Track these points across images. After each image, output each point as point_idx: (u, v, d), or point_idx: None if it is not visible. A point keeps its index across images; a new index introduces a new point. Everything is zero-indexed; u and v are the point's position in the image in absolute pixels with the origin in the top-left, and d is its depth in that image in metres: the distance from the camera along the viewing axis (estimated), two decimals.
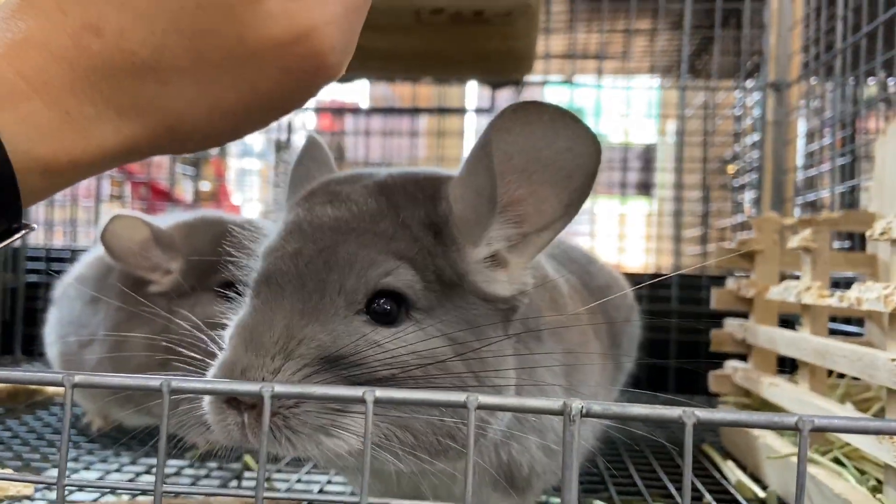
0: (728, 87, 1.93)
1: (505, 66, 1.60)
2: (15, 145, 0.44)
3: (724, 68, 1.94)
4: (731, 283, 1.19)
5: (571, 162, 0.54)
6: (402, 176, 0.61)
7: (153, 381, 0.43)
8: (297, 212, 0.59)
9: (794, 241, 0.92)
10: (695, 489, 0.88)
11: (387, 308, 0.54)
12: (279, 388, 0.43)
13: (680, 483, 0.88)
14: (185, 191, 2.29)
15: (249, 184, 2.93)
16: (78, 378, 0.44)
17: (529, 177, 0.56)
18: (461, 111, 2.24)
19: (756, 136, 1.73)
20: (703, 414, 0.39)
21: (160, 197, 2.04)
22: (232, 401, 0.50)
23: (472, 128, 2.28)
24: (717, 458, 1.02)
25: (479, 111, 2.23)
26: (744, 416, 0.42)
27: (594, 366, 0.72)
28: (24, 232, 0.49)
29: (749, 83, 1.82)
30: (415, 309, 0.55)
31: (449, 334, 0.55)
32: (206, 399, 0.53)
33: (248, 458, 0.95)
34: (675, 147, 1.82)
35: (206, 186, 2.44)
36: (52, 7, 0.46)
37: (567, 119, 0.53)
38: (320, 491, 0.85)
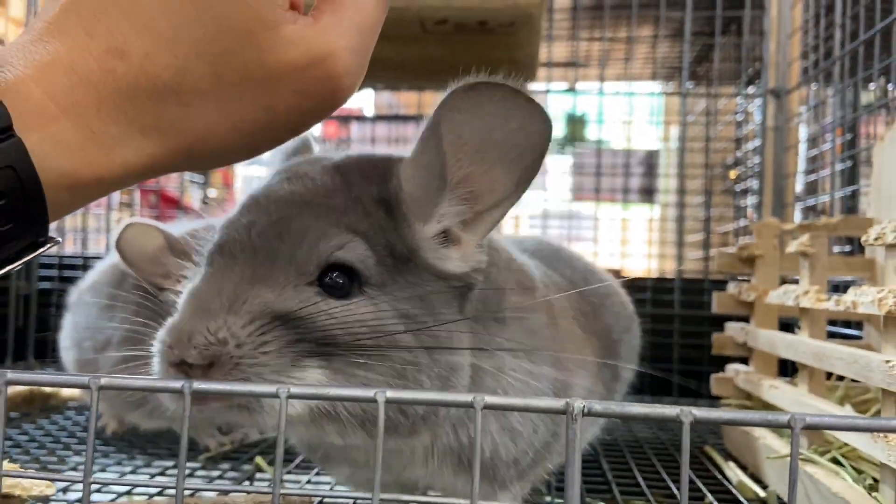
0: (729, 94, 1.95)
1: (508, 75, 1.62)
2: (44, 163, 0.47)
3: (725, 74, 1.96)
4: (732, 287, 1.20)
5: (524, 141, 0.55)
6: (357, 157, 0.63)
7: (175, 383, 0.46)
8: (257, 187, 0.61)
9: (792, 246, 0.94)
10: (697, 489, 0.89)
11: (339, 281, 0.55)
12: (295, 390, 0.45)
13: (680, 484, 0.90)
14: (193, 198, 2.31)
15: None
16: (104, 381, 0.46)
17: (482, 156, 0.56)
18: None
19: (757, 142, 1.75)
20: (700, 413, 0.41)
21: (169, 204, 2.07)
22: (181, 364, 0.51)
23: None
24: (719, 459, 1.03)
25: None
26: (739, 414, 0.44)
27: (573, 354, 0.72)
28: (49, 245, 0.51)
29: (750, 89, 1.84)
30: (367, 284, 0.56)
31: (401, 310, 0.56)
32: (154, 366, 0.53)
33: (259, 460, 0.97)
34: (678, 153, 1.84)
35: (213, 194, 2.47)
36: (78, 31, 0.48)
37: (520, 99, 0.54)
38: (331, 488, 0.87)
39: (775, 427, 0.43)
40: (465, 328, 0.59)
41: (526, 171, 0.57)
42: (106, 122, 0.48)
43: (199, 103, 0.49)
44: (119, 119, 0.49)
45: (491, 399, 0.43)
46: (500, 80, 0.54)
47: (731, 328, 1.20)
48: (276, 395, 0.45)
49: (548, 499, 0.84)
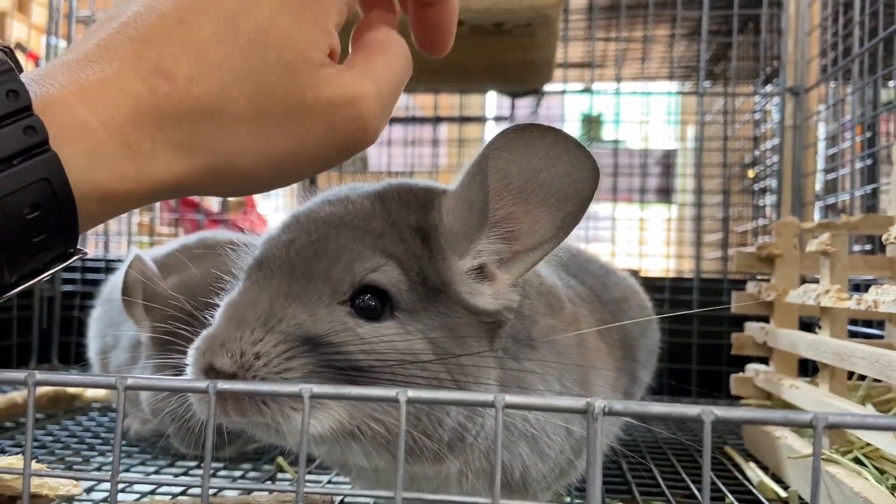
0: (746, 93, 1.94)
1: (525, 76, 1.62)
2: (77, 174, 0.48)
3: (742, 73, 1.95)
4: (751, 287, 1.20)
5: (570, 186, 0.56)
6: (399, 185, 0.63)
7: (200, 383, 0.46)
8: (299, 208, 0.62)
9: (812, 245, 0.94)
10: (717, 490, 0.89)
11: (371, 304, 0.56)
12: (318, 390, 0.46)
13: (702, 483, 0.89)
14: (212, 201, 2.33)
15: (275, 193, 2.97)
16: (130, 381, 0.46)
17: (526, 197, 0.57)
18: (481, 119, 2.27)
19: (776, 141, 1.74)
20: (721, 412, 0.41)
21: (188, 207, 2.09)
22: (210, 372, 0.52)
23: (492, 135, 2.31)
24: (739, 459, 1.03)
25: (498, 119, 2.26)
26: (761, 413, 0.44)
27: (599, 368, 0.73)
28: (78, 256, 0.52)
29: (768, 88, 1.83)
30: (399, 309, 0.57)
31: (430, 338, 0.56)
32: (188, 370, 0.54)
33: (280, 460, 0.98)
34: (695, 152, 1.84)
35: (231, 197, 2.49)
36: (126, 52, 0.51)
37: (570, 144, 0.55)
38: (352, 487, 0.88)
39: (797, 426, 0.43)
40: (494, 360, 0.60)
41: (569, 217, 0.57)
42: (141, 137, 0.50)
43: (235, 127, 0.52)
44: (154, 135, 0.50)
45: (512, 398, 0.43)
46: (552, 126, 0.55)
47: (751, 328, 1.19)
48: (298, 395, 0.45)
49: (567, 500, 0.84)
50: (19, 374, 0.46)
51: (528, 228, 0.58)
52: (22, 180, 0.46)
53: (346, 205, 0.60)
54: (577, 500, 0.85)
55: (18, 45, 2.43)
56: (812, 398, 0.90)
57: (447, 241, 0.59)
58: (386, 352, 0.54)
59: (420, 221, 0.59)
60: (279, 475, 0.96)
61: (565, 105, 2.04)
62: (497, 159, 0.56)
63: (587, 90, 1.89)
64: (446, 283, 0.58)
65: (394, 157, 2.18)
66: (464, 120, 2.12)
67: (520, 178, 0.57)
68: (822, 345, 0.89)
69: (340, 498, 0.79)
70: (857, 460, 0.82)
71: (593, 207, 0.60)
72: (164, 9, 0.52)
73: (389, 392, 0.45)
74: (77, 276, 1.69)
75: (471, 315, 0.59)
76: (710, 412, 0.41)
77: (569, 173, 0.55)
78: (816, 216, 1.74)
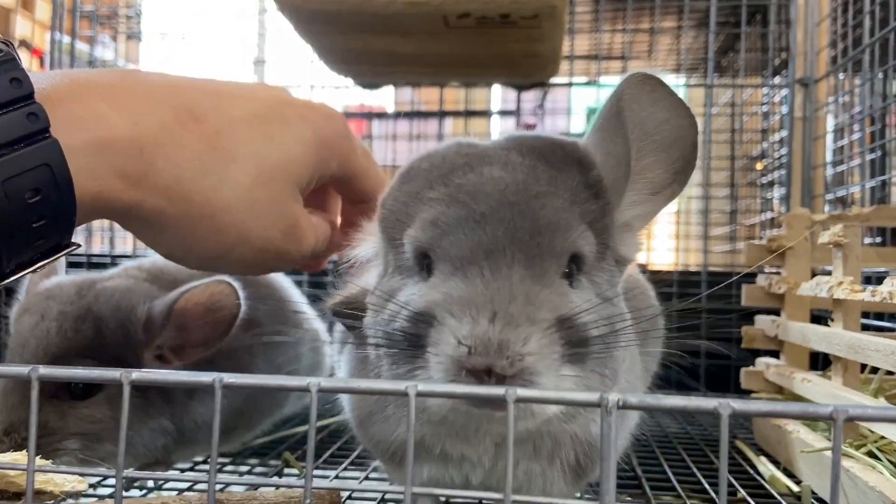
0: (755, 85, 1.92)
1: (531, 69, 1.61)
2: (82, 164, 0.49)
3: (750, 65, 1.93)
4: (761, 280, 1.19)
5: (677, 132, 0.58)
6: (540, 140, 0.60)
7: (205, 377, 0.46)
8: (458, 181, 0.55)
9: (824, 237, 0.93)
10: (729, 484, 0.88)
11: (568, 271, 0.54)
12: (325, 384, 0.45)
13: (713, 478, 0.89)
14: None
15: None
16: (135, 375, 0.46)
17: (648, 145, 0.59)
18: (486, 114, 2.26)
19: (784, 133, 1.72)
20: (739, 405, 0.40)
21: None
22: (482, 371, 0.48)
23: (497, 130, 2.30)
24: (750, 454, 1.02)
25: (503, 113, 2.25)
26: (779, 406, 0.43)
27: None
28: (70, 248, 0.53)
29: (776, 80, 1.81)
30: (581, 273, 0.55)
31: (609, 297, 0.56)
32: (436, 370, 0.50)
33: (287, 455, 0.97)
34: (702, 145, 1.82)
35: None
36: (160, 94, 0.57)
37: (674, 95, 0.57)
38: (359, 482, 0.87)
39: (817, 419, 0.42)
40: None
41: (679, 162, 0.59)
42: (156, 154, 0.54)
43: (233, 190, 0.59)
44: (167, 157, 0.55)
45: (523, 392, 0.42)
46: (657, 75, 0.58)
47: (762, 321, 1.18)
48: (306, 390, 0.44)
49: (578, 494, 0.83)
50: (23, 370, 0.45)
51: (651, 176, 0.60)
52: (24, 164, 0.47)
53: (523, 170, 0.56)
54: (587, 496, 0.84)
55: (23, 43, 2.43)
56: (825, 391, 0.89)
57: (610, 196, 0.58)
58: (606, 319, 0.54)
59: (587, 180, 0.57)
60: (286, 470, 0.95)
61: (571, 98, 2.03)
62: (630, 111, 0.57)
63: (593, 83, 1.88)
64: (610, 237, 0.58)
65: (399, 153, 2.17)
66: (469, 114, 2.10)
67: (648, 127, 0.58)
68: (835, 337, 0.88)
69: (348, 493, 0.79)
70: (871, 454, 0.81)
71: None
72: (205, 86, 0.60)
73: (398, 385, 0.44)
74: (82, 272, 1.68)
75: (616, 266, 0.60)
76: (728, 405, 0.40)
77: (666, 120, 0.58)
78: (825, 209, 1.73)
